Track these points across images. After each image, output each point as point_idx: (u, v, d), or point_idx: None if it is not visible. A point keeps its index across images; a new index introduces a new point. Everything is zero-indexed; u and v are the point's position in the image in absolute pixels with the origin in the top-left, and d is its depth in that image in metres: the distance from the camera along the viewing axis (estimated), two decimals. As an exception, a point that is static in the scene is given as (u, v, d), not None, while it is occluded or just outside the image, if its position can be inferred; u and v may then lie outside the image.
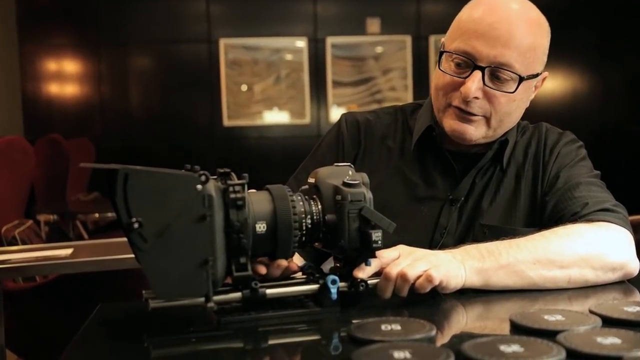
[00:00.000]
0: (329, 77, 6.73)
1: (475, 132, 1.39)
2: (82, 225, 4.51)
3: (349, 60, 6.74)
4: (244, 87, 6.65)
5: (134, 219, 0.89)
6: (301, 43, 6.71)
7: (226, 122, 6.63)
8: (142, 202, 0.90)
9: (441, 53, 1.40)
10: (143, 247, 0.90)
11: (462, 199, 1.45)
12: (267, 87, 6.68)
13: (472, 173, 1.45)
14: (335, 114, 6.59)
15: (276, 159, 6.46)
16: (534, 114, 1.54)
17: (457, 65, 1.37)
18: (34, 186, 4.35)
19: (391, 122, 1.57)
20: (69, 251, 2.46)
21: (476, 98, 1.35)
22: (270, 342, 1.01)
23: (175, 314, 1.07)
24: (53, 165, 4.59)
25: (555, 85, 6.73)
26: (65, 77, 6.55)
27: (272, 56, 6.67)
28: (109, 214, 4.19)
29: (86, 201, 5.25)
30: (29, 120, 6.42)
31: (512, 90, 1.36)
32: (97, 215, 4.30)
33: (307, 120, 6.73)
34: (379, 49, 6.76)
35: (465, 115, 1.38)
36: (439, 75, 1.41)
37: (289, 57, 6.72)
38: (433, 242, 1.43)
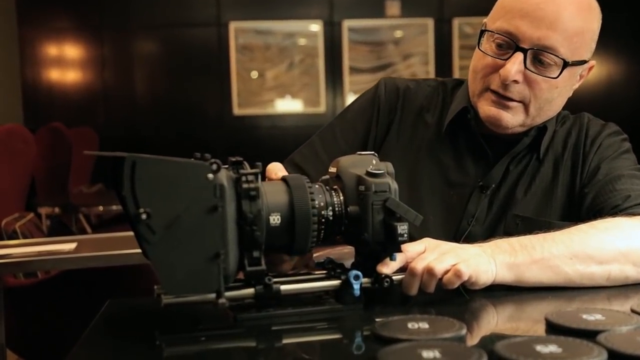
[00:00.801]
0: (346, 63, 6.72)
1: (512, 119, 1.38)
2: (85, 219, 4.54)
3: (366, 45, 6.73)
4: (255, 74, 6.65)
5: (141, 210, 0.89)
6: (316, 27, 6.70)
7: (236, 111, 6.64)
8: (151, 192, 0.90)
9: (482, 32, 1.39)
10: (151, 239, 0.90)
11: (494, 186, 1.45)
12: (279, 74, 6.68)
13: (505, 159, 1.45)
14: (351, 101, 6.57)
15: (289, 150, 6.43)
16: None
17: (499, 46, 1.36)
18: (34, 177, 4.38)
19: (432, 94, 1.57)
20: (72, 245, 2.47)
21: (515, 82, 1.35)
22: (288, 340, 1.01)
23: (188, 311, 1.07)
24: (55, 156, 4.62)
25: (587, 71, 6.66)
26: (66, 63, 6.58)
27: (285, 41, 6.67)
28: (114, 207, 4.21)
29: (89, 193, 5.28)
30: (29, 107, 6.46)
31: (554, 76, 1.35)
32: (101, 208, 4.33)
33: (322, 108, 6.72)
34: (398, 33, 6.74)
35: (502, 100, 1.37)
36: (478, 57, 1.41)
37: (302, 41, 6.71)
38: (460, 230, 1.43)
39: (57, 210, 4.22)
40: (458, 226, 1.43)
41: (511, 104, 1.37)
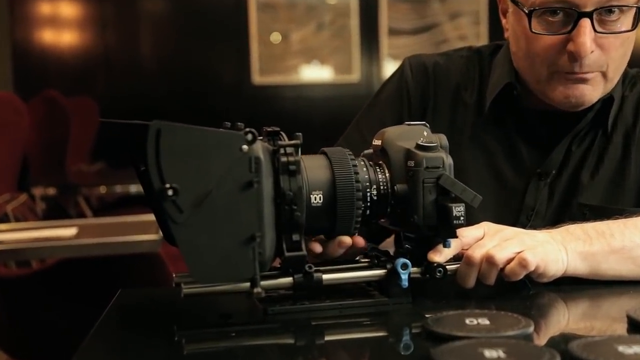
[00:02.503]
0: (383, 24, 6.68)
1: (594, 92, 1.35)
2: (85, 201, 4.58)
3: (407, 2, 6.69)
4: (278, 36, 6.64)
5: (167, 185, 0.89)
6: (349, -19, 6.68)
7: (256, 79, 6.64)
8: (178, 164, 0.90)
9: (530, 13, 1.32)
10: (178, 219, 0.90)
11: (554, 172, 1.43)
12: (306, 36, 6.67)
13: (566, 140, 1.43)
14: (390, 69, 6.53)
15: (317, 125, 6.45)
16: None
17: (550, 21, 1.32)
18: (27, 153, 4.43)
19: (468, 68, 1.54)
20: (72, 231, 2.50)
21: (591, 52, 1.31)
22: (327, 338, 1.02)
23: (210, 303, 1.08)
24: (50, 129, 4.65)
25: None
26: (62, 22, 6.61)
27: (313, -3, 6.66)
28: (118, 188, 4.25)
29: (90, 172, 5.33)
30: (21, 74, 6.51)
31: (628, 28, 1.32)
32: (103, 189, 4.36)
33: (355, 76, 6.70)
34: (445, -11, 6.69)
35: (579, 75, 1.33)
36: (531, 40, 1.35)
37: (333, -2, 6.70)
38: (518, 225, 1.40)
39: (53, 191, 4.26)
40: (515, 222, 1.41)
41: (590, 75, 1.33)
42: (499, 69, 1.48)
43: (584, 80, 1.34)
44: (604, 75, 1.35)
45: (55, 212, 4.11)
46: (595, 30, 1.30)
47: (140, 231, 2.35)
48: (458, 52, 1.58)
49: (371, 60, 6.73)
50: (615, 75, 1.37)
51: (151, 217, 2.47)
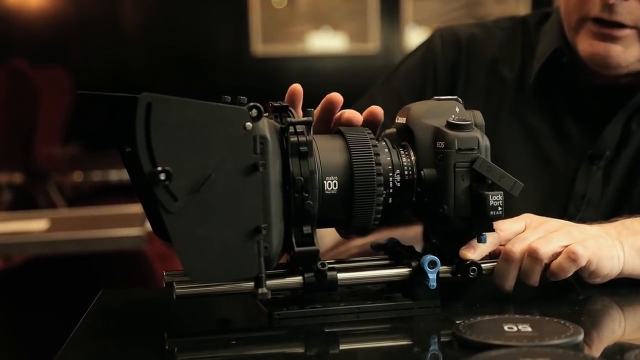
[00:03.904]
0: (406, -17, 6.69)
1: (625, 53, 1.37)
2: (58, 190, 4.59)
3: (435, -42, 6.69)
4: (284, -2, 6.66)
5: (159, 168, 0.90)
6: None
7: (257, 49, 6.64)
8: (172, 144, 0.91)
9: None
10: (171, 207, 0.91)
11: (608, 154, 1.44)
12: (316, -2, 6.68)
13: (620, 116, 1.44)
14: (415, 38, 6.54)
15: (328, 103, 6.45)
16: None
17: None
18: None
19: (508, 40, 1.56)
20: (43, 224, 2.52)
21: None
22: (343, 346, 1.02)
23: (208, 305, 1.09)
24: (16, 106, 4.67)
25: None
26: (30, -19, 6.63)
27: (323, -47, 6.66)
28: (95, 174, 4.25)
29: (63, 156, 5.33)
30: (-19, 41, 6.54)
31: None
32: (78, 176, 4.37)
33: (373, 46, 6.71)
34: (480, -58, 6.68)
35: (608, 29, 1.35)
36: None
37: (348, -46, 6.70)
38: (566, 216, 1.42)
39: (19, 178, 4.27)
40: (563, 212, 1.42)
41: (621, 32, 1.35)
42: (548, 37, 1.50)
43: (613, 38, 1.35)
44: None
45: (23, 202, 4.12)
46: None
47: (121, 225, 2.36)
48: (498, 23, 1.61)
49: (392, 27, 6.73)
50: None
51: (134, 208, 2.50)
